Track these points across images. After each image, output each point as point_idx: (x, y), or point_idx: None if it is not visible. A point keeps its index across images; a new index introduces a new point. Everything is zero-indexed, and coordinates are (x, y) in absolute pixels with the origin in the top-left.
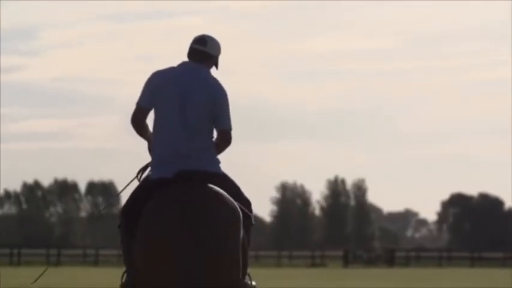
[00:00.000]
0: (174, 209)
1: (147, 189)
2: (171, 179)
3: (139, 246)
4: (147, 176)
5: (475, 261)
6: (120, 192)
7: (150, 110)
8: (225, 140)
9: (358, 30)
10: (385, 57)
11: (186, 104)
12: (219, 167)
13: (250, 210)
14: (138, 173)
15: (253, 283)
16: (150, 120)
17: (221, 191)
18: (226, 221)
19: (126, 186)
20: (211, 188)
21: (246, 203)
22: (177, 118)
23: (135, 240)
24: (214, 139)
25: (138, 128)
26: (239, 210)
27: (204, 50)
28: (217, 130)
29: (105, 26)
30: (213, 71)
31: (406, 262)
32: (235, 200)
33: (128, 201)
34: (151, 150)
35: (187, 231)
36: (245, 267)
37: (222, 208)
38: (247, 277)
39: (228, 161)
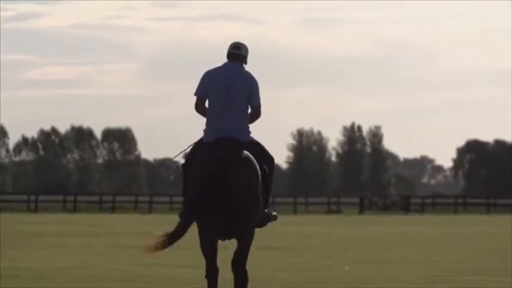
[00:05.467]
0: (207, 161)
1: (196, 149)
2: (211, 143)
3: (190, 183)
4: (201, 140)
5: (490, 208)
6: (185, 149)
7: (205, 99)
8: (256, 113)
9: None
10: (399, 5)
11: (229, 88)
12: (250, 136)
13: (273, 165)
14: (199, 140)
15: (274, 213)
16: None
17: (244, 151)
18: (244, 169)
19: (189, 146)
20: (236, 148)
21: (270, 160)
22: (222, 99)
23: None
24: (248, 114)
25: (200, 112)
26: (255, 163)
27: (239, 53)
28: (251, 106)
29: None
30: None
31: (422, 209)
32: (261, 158)
33: (187, 157)
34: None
35: (216, 175)
36: (264, 203)
37: (241, 161)
38: (267, 209)
39: None
